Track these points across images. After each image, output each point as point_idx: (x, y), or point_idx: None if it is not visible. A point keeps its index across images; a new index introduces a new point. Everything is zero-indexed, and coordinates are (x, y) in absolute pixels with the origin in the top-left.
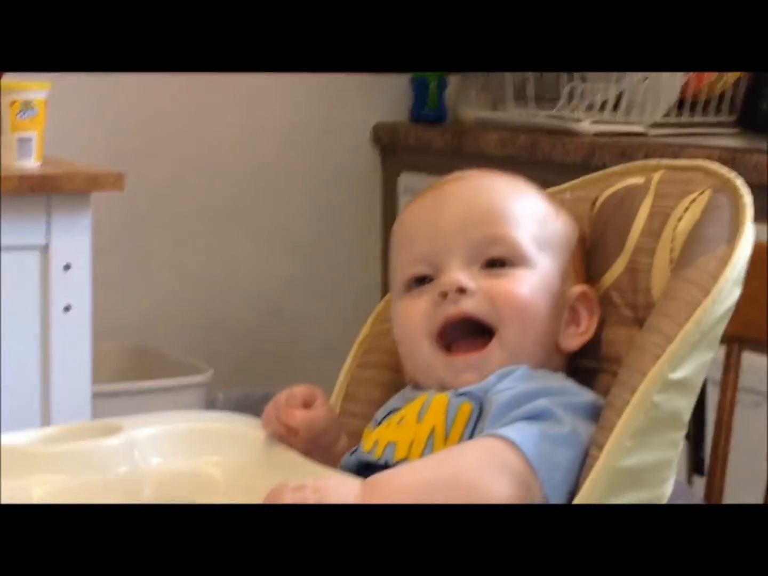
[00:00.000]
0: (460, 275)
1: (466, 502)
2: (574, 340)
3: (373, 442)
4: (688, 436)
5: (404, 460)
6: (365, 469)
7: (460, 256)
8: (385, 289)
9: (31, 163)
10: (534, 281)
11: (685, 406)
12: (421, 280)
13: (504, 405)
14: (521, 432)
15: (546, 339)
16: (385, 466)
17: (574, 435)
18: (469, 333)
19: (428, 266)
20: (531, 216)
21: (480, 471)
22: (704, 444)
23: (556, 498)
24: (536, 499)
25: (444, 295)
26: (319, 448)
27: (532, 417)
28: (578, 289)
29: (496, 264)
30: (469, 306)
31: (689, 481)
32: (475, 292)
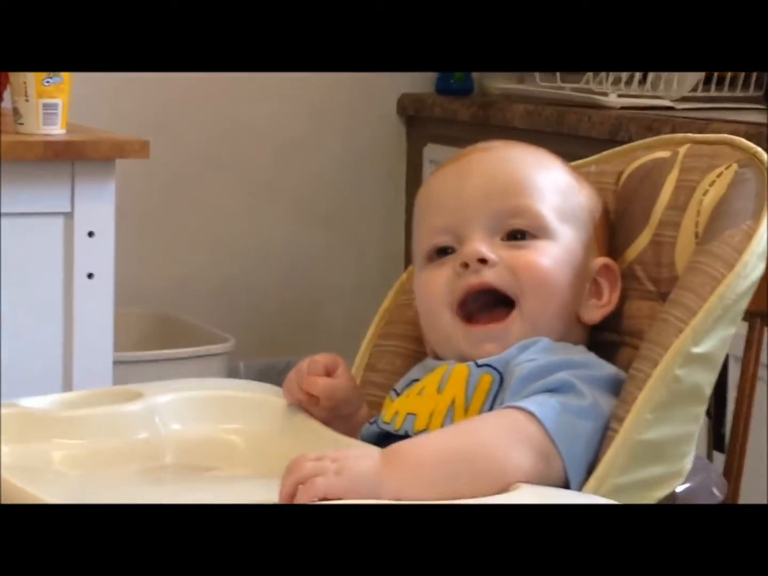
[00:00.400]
0: (481, 246)
1: (485, 473)
2: (595, 312)
3: (393, 413)
4: (708, 412)
5: (424, 430)
6: (385, 438)
7: (482, 228)
8: (409, 260)
9: (57, 130)
10: (556, 253)
11: (707, 380)
12: (444, 251)
13: (525, 377)
14: (542, 404)
15: (567, 311)
16: (405, 437)
17: (595, 407)
18: (490, 304)
19: (450, 237)
20: (554, 188)
21: (500, 443)
22: (725, 420)
23: (576, 471)
24: (556, 471)
25: (465, 265)
26: (339, 416)
27: (553, 389)
28: (601, 261)
29: (518, 236)
30: (490, 276)
31: (709, 457)
32: (497, 262)
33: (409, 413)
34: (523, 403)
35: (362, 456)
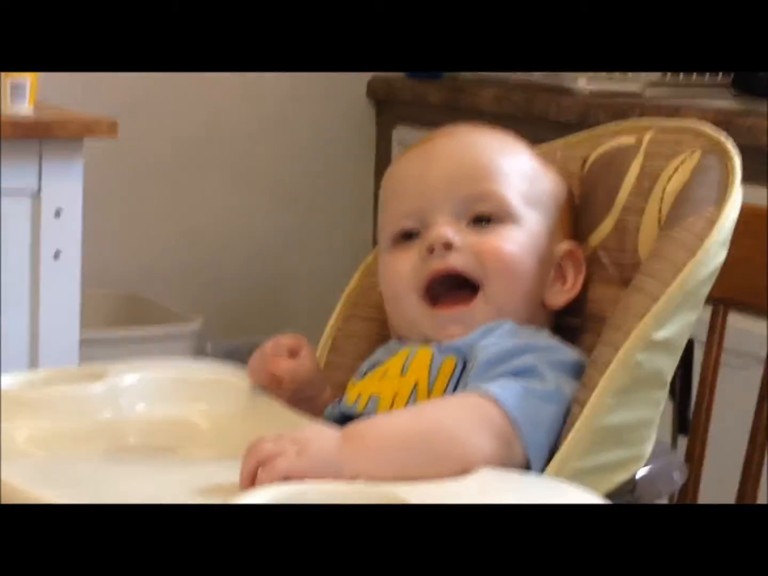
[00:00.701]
0: (447, 230)
1: (444, 456)
2: (559, 297)
3: (356, 395)
4: (674, 397)
5: (388, 412)
6: (348, 421)
7: (448, 212)
8: (377, 242)
9: (25, 108)
10: (521, 238)
11: (668, 365)
12: (408, 235)
13: (488, 361)
14: (504, 388)
15: (532, 295)
16: (349, 415)
17: (558, 392)
18: (454, 288)
19: (416, 221)
20: (519, 173)
21: (461, 426)
22: (690, 405)
23: (538, 455)
24: (517, 457)
25: (431, 249)
26: (303, 398)
27: (516, 373)
28: (565, 246)
29: (483, 220)
30: (455, 261)
31: (674, 441)
32: (462, 247)
33: (372, 395)
34: (485, 387)
35: (322, 436)
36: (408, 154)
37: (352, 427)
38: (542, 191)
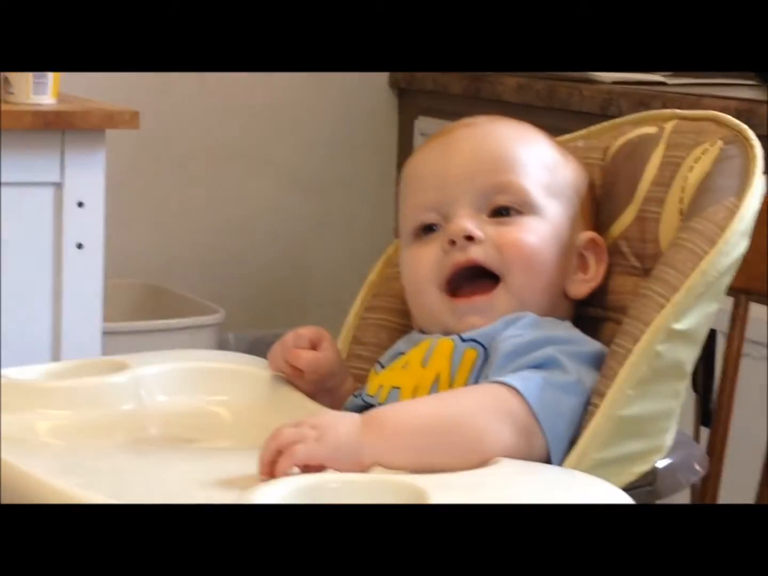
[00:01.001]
0: (468, 223)
1: (464, 444)
2: (581, 287)
3: (377, 386)
4: (696, 389)
5: None
6: (361, 407)
7: (468, 204)
8: (398, 233)
9: (47, 99)
10: (541, 229)
11: (688, 356)
12: (429, 228)
13: (510, 352)
14: (526, 380)
15: (553, 286)
16: (371, 404)
17: (579, 384)
18: (476, 280)
19: (436, 214)
20: (539, 163)
21: (482, 416)
22: (712, 396)
23: (558, 447)
24: (537, 448)
25: (452, 242)
26: (324, 389)
27: (538, 365)
28: (587, 236)
29: (504, 212)
30: (477, 253)
31: (696, 434)
32: (483, 239)
33: (393, 387)
34: (506, 378)
35: (342, 421)
36: (427, 146)
37: (373, 413)
38: (563, 181)
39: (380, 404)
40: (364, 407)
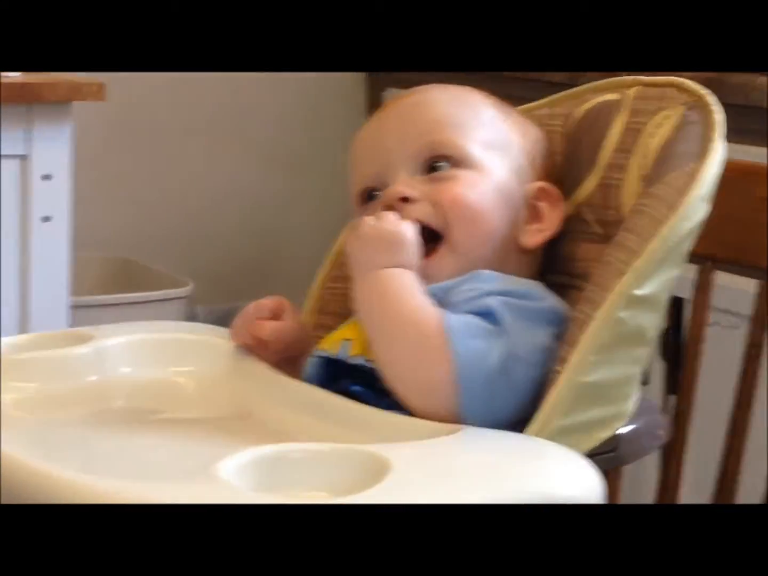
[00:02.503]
0: (400, 186)
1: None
2: (535, 236)
3: (331, 341)
4: (665, 357)
5: (359, 355)
6: (328, 364)
7: (404, 169)
8: None
9: (13, 72)
10: (480, 182)
11: (650, 322)
12: (371, 196)
13: (459, 301)
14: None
15: (501, 238)
16: (343, 362)
17: (505, 335)
18: (426, 243)
19: (376, 182)
20: (474, 120)
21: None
22: (681, 364)
23: (467, 369)
24: (441, 368)
25: (389, 207)
26: (288, 359)
27: (476, 313)
28: (536, 185)
29: (438, 167)
30: (414, 213)
31: (665, 401)
32: (419, 199)
33: (344, 339)
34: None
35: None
36: (369, 120)
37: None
38: (504, 136)
39: (333, 356)
40: (320, 362)
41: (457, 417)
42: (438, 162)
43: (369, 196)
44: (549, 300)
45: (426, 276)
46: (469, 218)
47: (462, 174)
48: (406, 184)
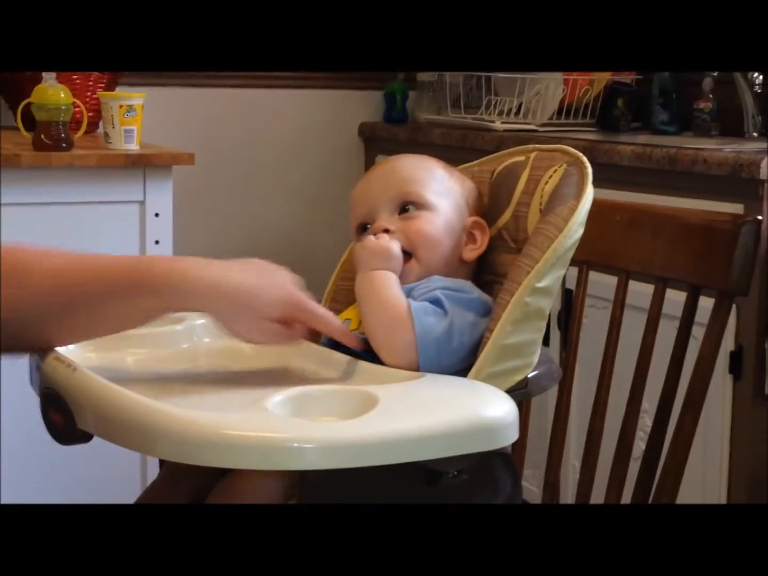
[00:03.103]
0: (383, 222)
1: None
2: (472, 253)
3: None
4: (560, 327)
5: (356, 329)
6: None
7: (385, 210)
8: None
9: (133, 147)
10: (435, 219)
11: (547, 304)
12: (364, 228)
13: (419, 296)
14: (414, 302)
15: (451, 256)
16: None
17: (447, 316)
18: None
19: (368, 219)
20: (430, 177)
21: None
22: (569, 332)
23: (425, 341)
24: (405, 339)
25: (375, 236)
26: (313, 332)
27: (429, 301)
28: (471, 219)
29: (408, 209)
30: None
31: (561, 355)
32: (395, 230)
33: (346, 319)
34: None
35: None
36: (361, 179)
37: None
38: (449, 186)
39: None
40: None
41: (418, 368)
42: (407, 206)
43: (363, 228)
44: (476, 293)
45: (400, 278)
46: (428, 243)
47: (423, 214)
48: (386, 220)
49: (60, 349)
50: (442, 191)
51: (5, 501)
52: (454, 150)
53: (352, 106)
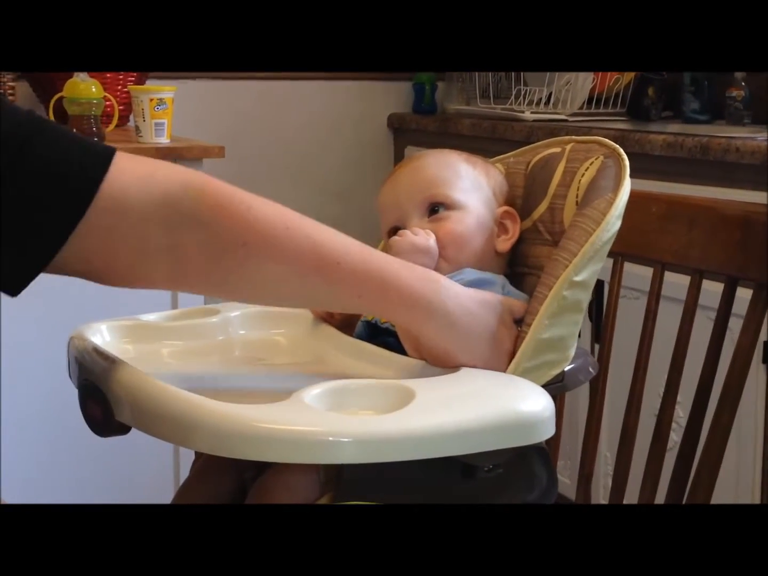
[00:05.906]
0: (414, 227)
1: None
2: (505, 243)
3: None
4: (591, 319)
5: (386, 321)
6: (368, 327)
7: (415, 215)
8: None
9: (164, 140)
10: (466, 216)
11: (585, 298)
12: (395, 231)
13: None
14: None
15: (483, 249)
16: (376, 325)
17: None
18: None
19: (399, 222)
20: (455, 175)
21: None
22: (601, 324)
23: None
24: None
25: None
26: (348, 325)
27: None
28: (501, 209)
29: (437, 211)
30: None
31: (592, 346)
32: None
33: None
34: None
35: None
36: (386, 180)
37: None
38: (475, 180)
39: (371, 321)
40: (364, 327)
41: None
42: (436, 207)
43: (394, 232)
44: (498, 286)
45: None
46: (457, 243)
47: (452, 214)
48: (418, 225)
49: (98, 341)
50: (469, 187)
51: (36, 500)
52: (484, 141)
53: (381, 97)
